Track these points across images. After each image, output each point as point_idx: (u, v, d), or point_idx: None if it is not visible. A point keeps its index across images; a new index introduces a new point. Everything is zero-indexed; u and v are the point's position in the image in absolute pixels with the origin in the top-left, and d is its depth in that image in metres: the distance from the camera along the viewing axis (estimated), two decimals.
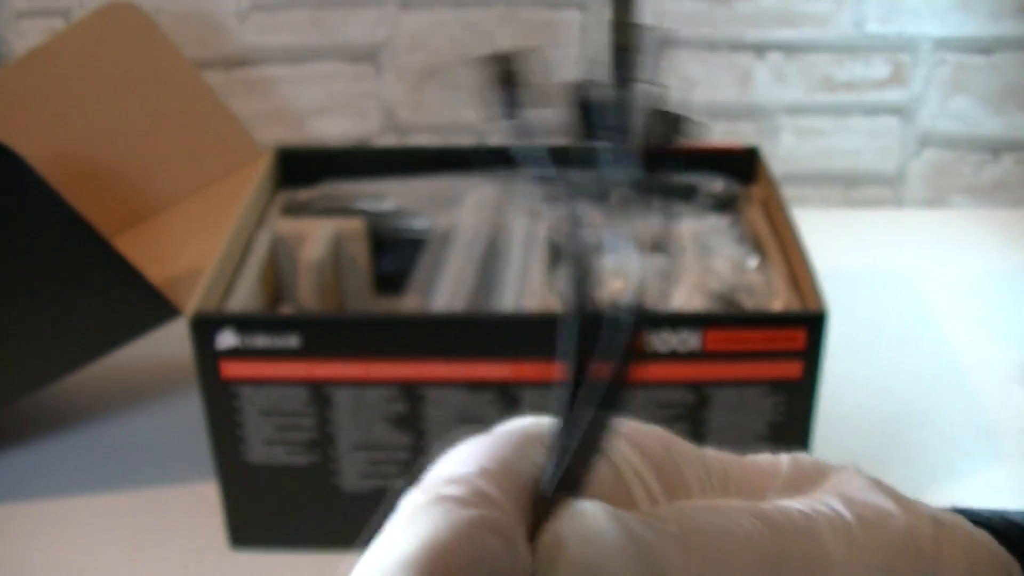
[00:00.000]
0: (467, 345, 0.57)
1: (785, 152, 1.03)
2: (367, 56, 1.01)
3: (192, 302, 0.57)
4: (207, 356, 0.57)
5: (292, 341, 0.56)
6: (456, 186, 0.73)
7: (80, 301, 0.66)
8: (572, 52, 1.00)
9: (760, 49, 0.99)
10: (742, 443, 0.58)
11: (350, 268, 0.73)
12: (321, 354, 0.57)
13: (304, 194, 0.75)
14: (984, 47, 0.98)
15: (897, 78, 1.00)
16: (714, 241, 0.68)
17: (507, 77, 0.21)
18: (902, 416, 0.74)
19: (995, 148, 1.02)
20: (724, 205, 0.72)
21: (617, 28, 0.20)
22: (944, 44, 0.98)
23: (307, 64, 1.01)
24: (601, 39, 0.21)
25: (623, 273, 0.20)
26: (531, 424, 0.24)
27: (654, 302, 0.21)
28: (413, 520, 0.20)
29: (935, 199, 1.04)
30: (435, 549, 0.19)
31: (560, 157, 0.21)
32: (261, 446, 0.59)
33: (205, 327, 0.56)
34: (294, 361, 0.57)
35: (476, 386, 0.58)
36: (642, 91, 0.21)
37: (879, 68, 1.00)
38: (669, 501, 0.24)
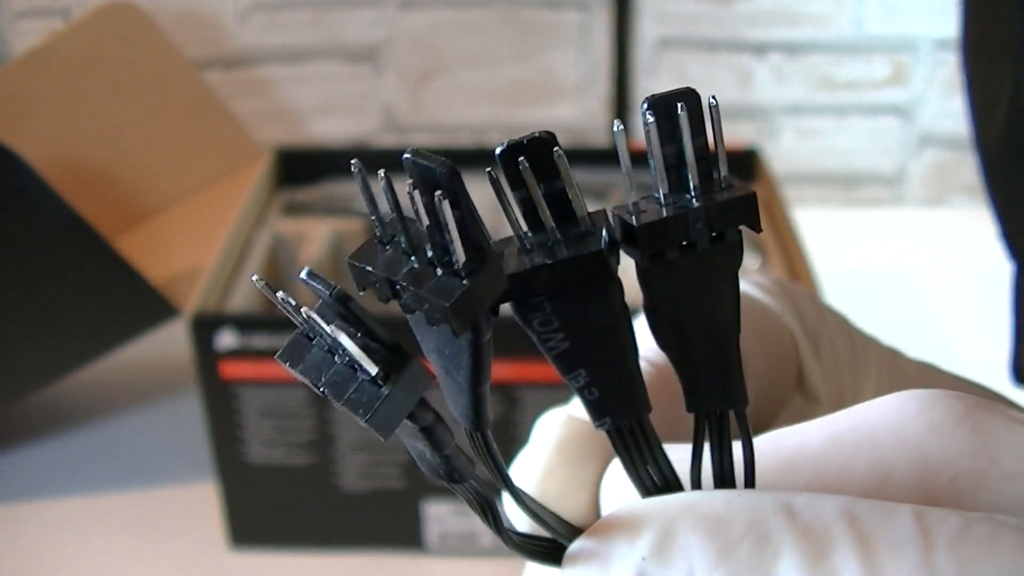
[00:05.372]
0: None
1: (785, 152, 1.03)
2: (367, 56, 1.01)
3: (192, 302, 0.57)
4: (207, 356, 0.57)
5: None
6: None
7: (80, 301, 0.66)
8: (572, 52, 1.00)
9: (760, 49, 0.99)
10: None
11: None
12: None
13: (304, 194, 0.75)
14: None
15: (897, 78, 1.00)
16: None
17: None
18: None
19: None
20: None
21: None
22: (944, 44, 0.98)
23: (307, 64, 1.01)
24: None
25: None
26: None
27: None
28: None
29: (935, 199, 1.04)
30: None
31: None
32: (261, 446, 0.59)
33: (205, 327, 0.56)
34: None
35: None
36: None
37: (879, 68, 1.00)
38: (820, 367, 0.24)
